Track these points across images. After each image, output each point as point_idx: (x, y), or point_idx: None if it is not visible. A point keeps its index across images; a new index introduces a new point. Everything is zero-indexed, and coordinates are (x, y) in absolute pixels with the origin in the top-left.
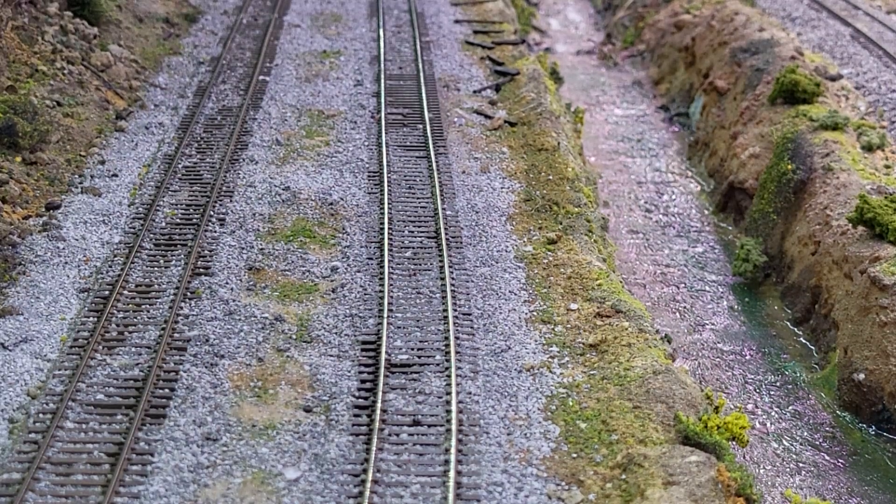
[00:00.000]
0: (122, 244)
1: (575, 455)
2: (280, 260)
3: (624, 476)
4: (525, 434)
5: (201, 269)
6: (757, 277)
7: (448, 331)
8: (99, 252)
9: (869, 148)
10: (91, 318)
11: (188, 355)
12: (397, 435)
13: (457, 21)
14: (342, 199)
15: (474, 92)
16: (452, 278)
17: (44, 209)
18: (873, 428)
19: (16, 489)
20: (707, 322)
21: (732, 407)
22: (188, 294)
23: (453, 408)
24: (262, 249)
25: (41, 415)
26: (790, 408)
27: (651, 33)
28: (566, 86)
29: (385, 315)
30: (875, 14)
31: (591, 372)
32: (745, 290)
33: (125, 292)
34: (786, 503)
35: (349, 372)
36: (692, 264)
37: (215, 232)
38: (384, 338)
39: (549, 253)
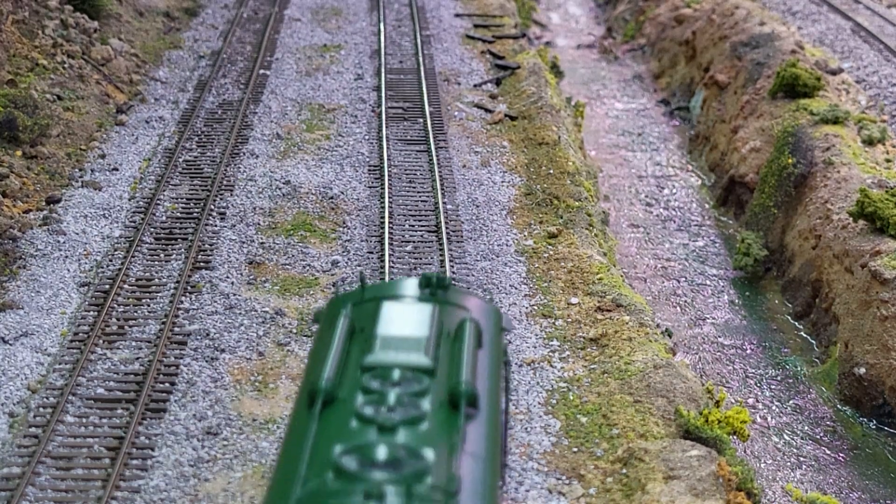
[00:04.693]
0: (122, 238)
1: (576, 449)
2: (280, 254)
3: (625, 470)
4: (525, 428)
5: (202, 264)
6: (757, 271)
7: None
8: (99, 246)
9: (870, 142)
10: (91, 313)
11: (188, 349)
12: None
13: (457, 15)
14: (343, 193)
15: (475, 86)
16: (453, 272)
17: (44, 203)
18: (874, 422)
19: (16, 483)
20: (708, 316)
21: (733, 401)
22: (188, 288)
23: None
24: (262, 243)
25: (41, 409)
26: (791, 402)
27: (651, 27)
28: (567, 80)
29: None
30: (875, 8)
31: (592, 366)
32: (745, 284)
33: (125, 286)
34: (787, 497)
35: None
36: (693, 258)
37: (216, 226)
38: None
39: (550, 247)
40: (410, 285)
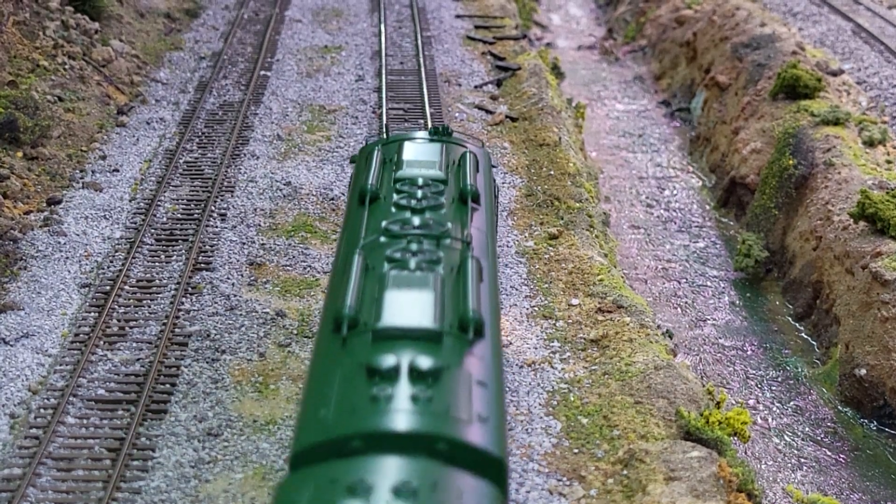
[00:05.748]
0: (123, 239)
1: (576, 450)
2: (281, 255)
3: (625, 471)
4: (526, 429)
5: (202, 265)
6: (758, 273)
7: None
8: (100, 247)
9: (870, 143)
10: (92, 314)
11: (189, 350)
12: None
13: (458, 16)
14: (343, 194)
15: (475, 87)
16: None
17: (45, 204)
18: (875, 423)
19: (17, 484)
20: (708, 317)
21: (734, 402)
22: (189, 289)
23: None
24: (263, 244)
25: (42, 410)
26: (791, 403)
27: (652, 28)
28: (567, 81)
29: None
30: (876, 9)
31: (593, 367)
32: (746, 285)
33: (126, 287)
34: (787, 499)
35: None
36: (693, 259)
37: (216, 227)
38: None
39: (551, 248)
40: (422, 133)
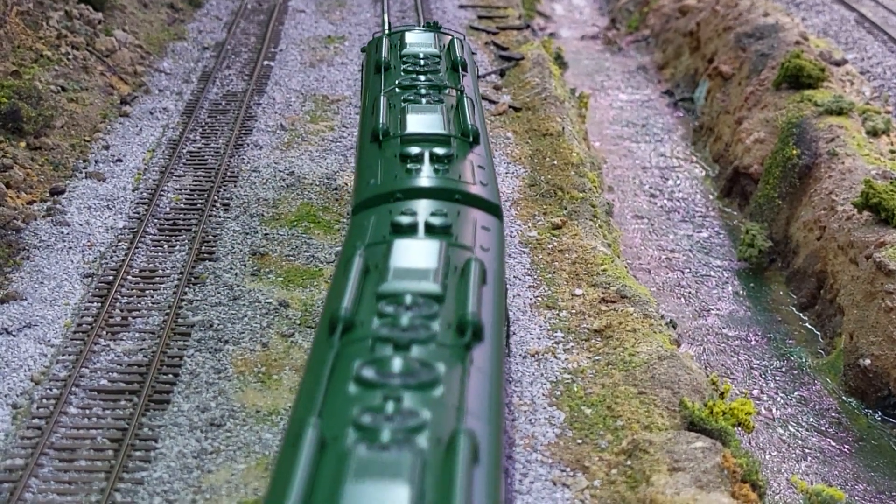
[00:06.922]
0: (126, 229)
1: (580, 441)
2: (284, 245)
3: (629, 462)
4: (530, 420)
5: (205, 255)
6: (762, 262)
7: None
8: (103, 237)
9: (874, 133)
10: (95, 304)
11: (192, 341)
12: None
13: (461, 6)
14: (347, 183)
15: (479, 77)
16: None
17: (48, 194)
18: (879, 413)
19: (19, 475)
20: (712, 307)
21: (738, 392)
22: (192, 279)
23: None
24: (266, 234)
25: (45, 400)
26: (796, 393)
27: (656, 18)
28: (571, 71)
29: None
30: None
31: (596, 357)
32: (750, 275)
33: (129, 277)
34: (792, 489)
35: None
36: (697, 249)
37: (219, 217)
38: None
39: (554, 238)
40: (418, 27)
